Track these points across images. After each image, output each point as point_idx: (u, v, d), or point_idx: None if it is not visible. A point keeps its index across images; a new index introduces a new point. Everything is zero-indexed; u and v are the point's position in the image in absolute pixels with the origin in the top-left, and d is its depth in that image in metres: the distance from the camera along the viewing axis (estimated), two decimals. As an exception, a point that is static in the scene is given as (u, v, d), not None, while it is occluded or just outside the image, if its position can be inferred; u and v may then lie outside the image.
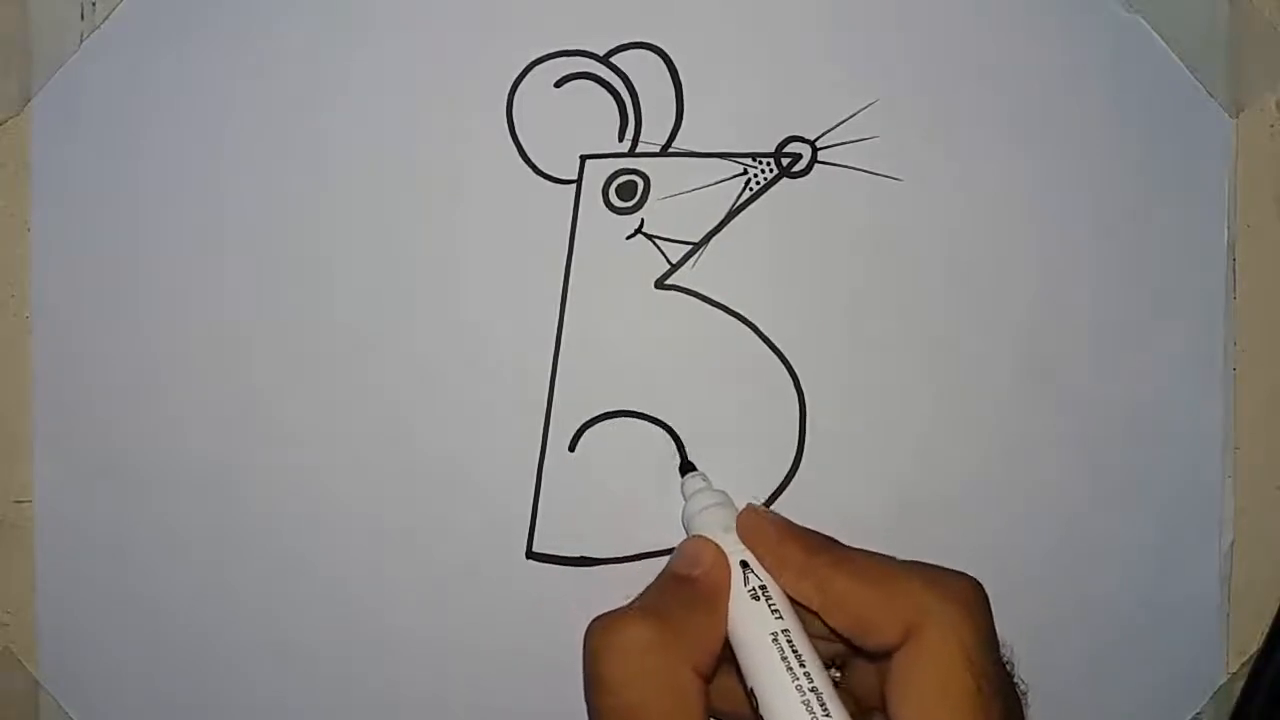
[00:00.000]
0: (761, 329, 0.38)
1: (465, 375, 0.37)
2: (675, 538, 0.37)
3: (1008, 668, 0.31)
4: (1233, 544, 0.38)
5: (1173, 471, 0.38)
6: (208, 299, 0.37)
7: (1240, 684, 0.38)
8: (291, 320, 0.37)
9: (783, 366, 0.38)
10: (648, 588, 0.32)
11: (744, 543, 0.32)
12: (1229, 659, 0.38)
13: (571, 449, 0.37)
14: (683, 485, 0.36)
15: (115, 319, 0.37)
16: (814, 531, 0.33)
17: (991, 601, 0.37)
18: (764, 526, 0.33)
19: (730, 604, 0.31)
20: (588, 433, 0.37)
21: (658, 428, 0.37)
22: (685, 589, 0.31)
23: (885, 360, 0.38)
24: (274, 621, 0.38)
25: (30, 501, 0.38)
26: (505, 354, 0.37)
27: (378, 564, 0.37)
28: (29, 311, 0.38)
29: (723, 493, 0.35)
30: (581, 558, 0.37)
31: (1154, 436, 0.38)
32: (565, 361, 0.37)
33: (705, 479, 0.36)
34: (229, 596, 0.38)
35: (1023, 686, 0.33)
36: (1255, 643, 0.38)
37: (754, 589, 0.31)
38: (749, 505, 0.34)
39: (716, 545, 0.32)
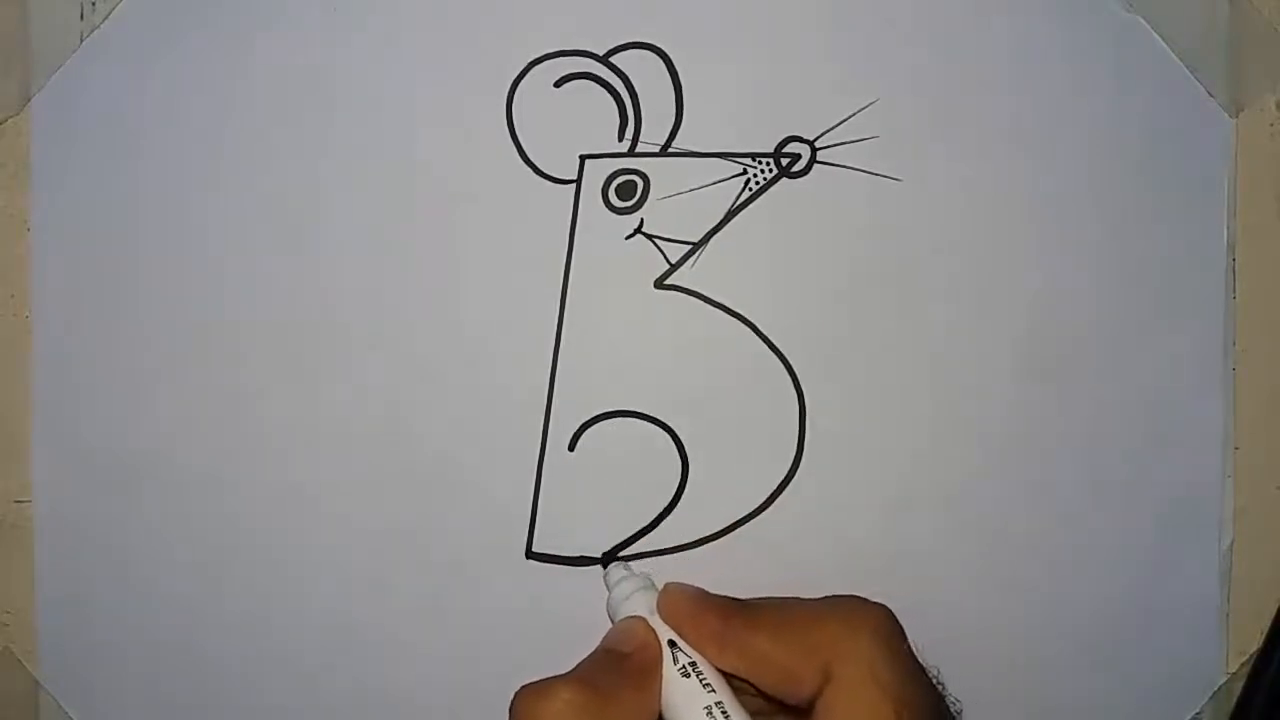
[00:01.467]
0: (761, 329, 0.38)
1: (465, 375, 0.37)
2: (675, 538, 0.37)
3: (938, 688, 0.31)
4: (1233, 544, 0.38)
5: (1173, 471, 0.38)
6: (207, 299, 0.37)
7: (1240, 684, 0.38)
8: (291, 320, 0.37)
9: (783, 366, 0.38)
10: (580, 663, 0.32)
11: (667, 622, 0.33)
12: (1229, 659, 0.38)
13: (571, 449, 0.37)
14: (605, 577, 0.35)
15: (115, 319, 0.37)
16: (730, 598, 0.33)
17: (991, 601, 0.38)
18: (681, 603, 0.33)
19: (663, 683, 0.31)
20: (588, 433, 0.37)
21: (658, 428, 0.37)
22: (619, 663, 0.32)
23: (885, 360, 0.38)
24: (273, 621, 0.38)
25: (30, 501, 0.38)
26: (505, 354, 0.37)
27: (377, 563, 0.37)
28: (29, 311, 0.38)
29: (645, 576, 0.35)
30: (581, 558, 0.37)
31: (1154, 436, 0.38)
32: (565, 361, 0.37)
33: (627, 567, 0.35)
34: (229, 596, 0.38)
35: (957, 705, 0.32)
36: (1255, 643, 0.38)
37: (683, 667, 0.31)
38: (667, 585, 0.34)
39: (647, 623, 0.33)
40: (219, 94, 0.37)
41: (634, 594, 0.34)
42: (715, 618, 0.32)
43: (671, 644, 0.32)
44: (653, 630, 0.32)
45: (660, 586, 0.34)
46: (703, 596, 0.33)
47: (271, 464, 0.37)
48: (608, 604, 0.35)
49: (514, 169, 0.37)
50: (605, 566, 0.36)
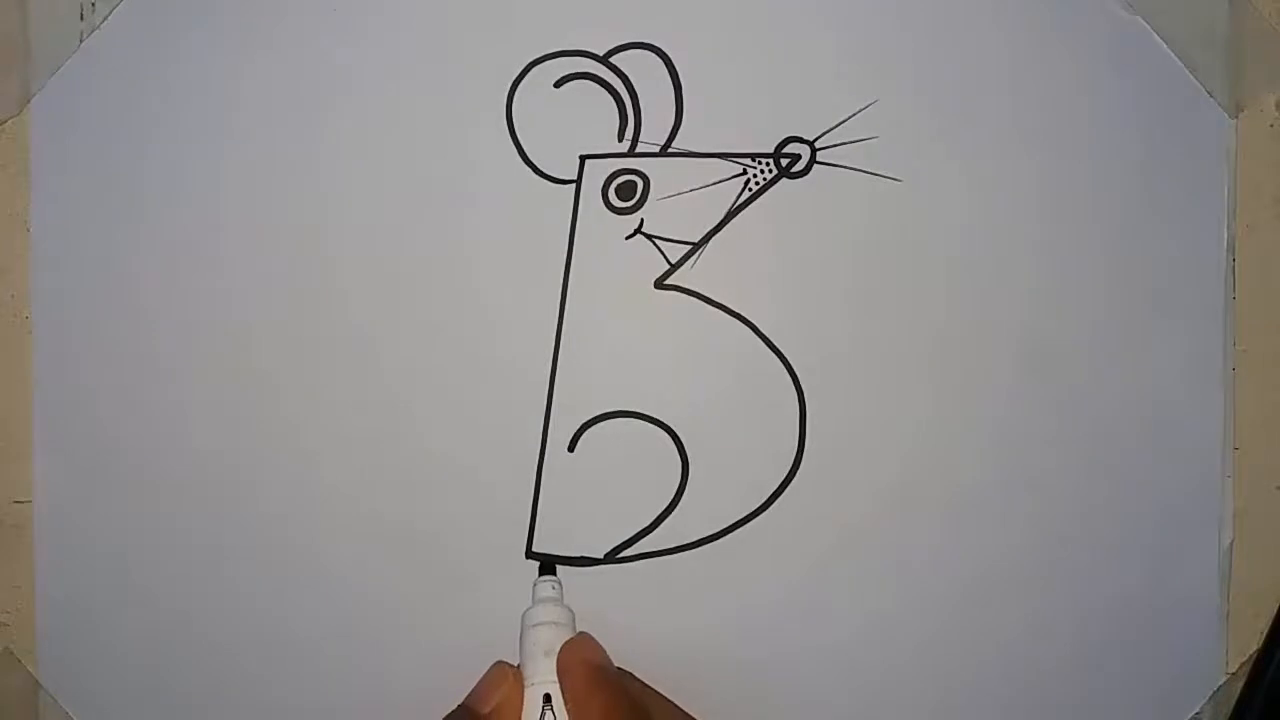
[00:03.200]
0: (761, 329, 0.38)
1: (465, 375, 0.37)
2: (676, 539, 0.37)
3: None
4: (1233, 544, 0.38)
5: (1173, 471, 0.38)
6: (206, 299, 0.37)
7: (1240, 684, 0.38)
8: (290, 320, 0.37)
9: (783, 366, 0.38)
10: (445, 717, 0.32)
11: (557, 675, 0.32)
12: (1229, 659, 0.38)
13: (571, 449, 0.37)
14: (534, 587, 0.35)
15: (115, 319, 0.37)
16: (629, 687, 0.33)
17: (991, 601, 0.38)
18: (577, 669, 0.32)
19: None
20: (588, 433, 0.37)
21: (658, 428, 0.37)
22: None
23: (885, 360, 0.38)
24: (273, 621, 0.38)
25: (30, 501, 0.38)
26: (505, 354, 0.37)
27: (378, 564, 0.37)
28: (29, 311, 0.38)
29: (565, 609, 0.34)
30: (581, 558, 0.37)
31: (1154, 436, 0.38)
32: (565, 361, 0.37)
33: (557, 586, 0.35)
34: (229, 596, 0.38)
35: None
36: (1255, 643, 0.38)
37: None
38: (579, 635, 0.33)
39: (516, 677, 0.32)
40: (218, 94, 0.37)
41: (542, 625, 0.33)
42: (599, 706, 0.31)
43: (547, 699, 0.32)
44: (519, 688, 0.32)
45: (572, 633, 0.34)
46: (602, 672, 0.32)
47: (271, 464, 0.37)
48: (522, 616, 0.34)
49: (514, 169, 0.37)
50: (540, 575, 0.36)
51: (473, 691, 0.33)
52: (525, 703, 0.32)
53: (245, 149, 0.37)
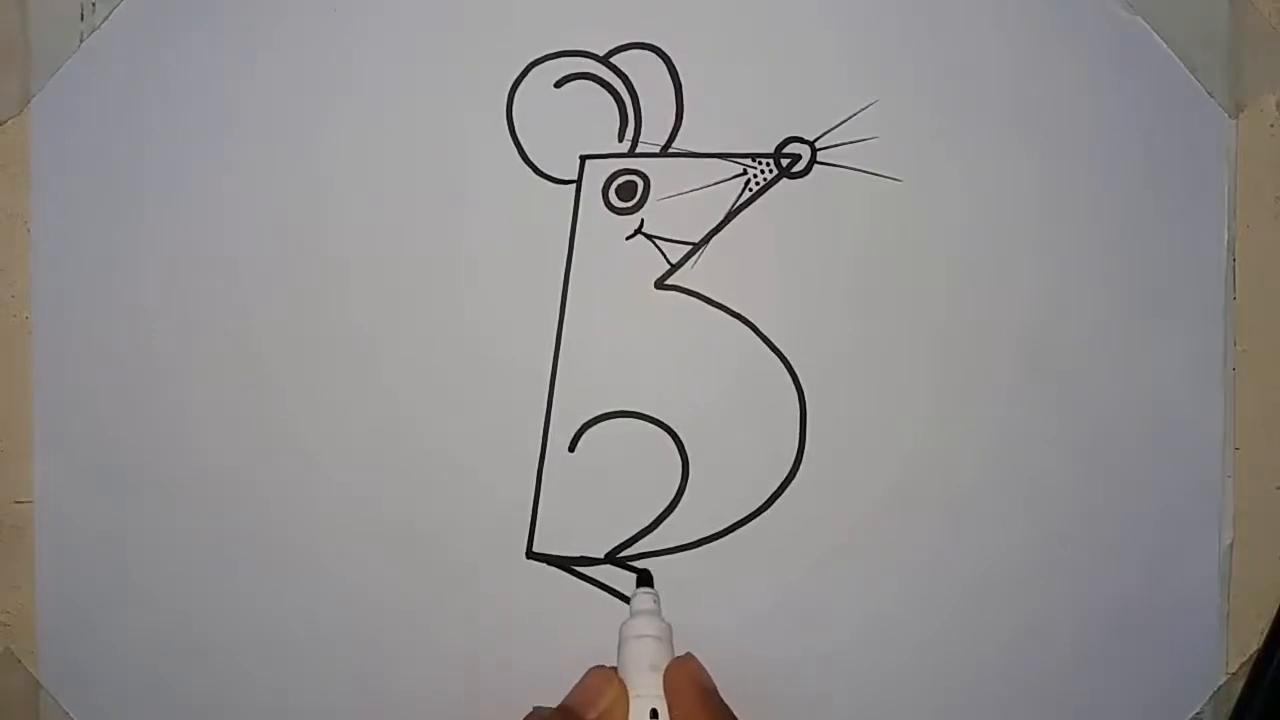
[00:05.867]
0: (761, 329, 0.38)
1: (466, 375, 0.37)
2: (676, 539, 0.37)
3: None
4: (1232, 544, 0.38)
5: (1173, 472, 0.38)
6: (207, 298, 0.37)
7: (1240, 684, 0.38)
8: (291, 320, 0.37)
9: (783, 366, 0.38)
10: (549, 714, 0.32)
11: (664, 691, 0.32)
12: (1229, 659, 0.38)
13: (571, 449, 0.37)
14: (633, 597, 0.35)
15: (115, 319, 0.37)
16: (732, 714, 0.32)
17: (991, 601, 0.38)
18: (687, 688, 0.32)
19: None
20: (588, 433, 0.37)
21: (658, 428, 0.37)
22: None
23: (885, 360, 0.38)
24: (274, 621, 0.38)
25: (30, 501, 0.38)
26: (505, 354, 0.37)
27: (378, 564, 0.38)
28: (29, 311, 0.38)
29: (666, 625, 0.34)
30: (582, 558, 0.37)
31: (1154, 436, 0.38)
32: (565, 361, 0.37)
33: (657, 600, 0.35)
34: (229, 596, 0.38)
35: None
36: (1255, 643, 0.38)
37: None
38: (686, 656, 0.33)
39: (621, 686, 0.32)
40: (218, 94, 0.37)
41: (646, 638, 0.33)
42: None
43: (654, 714, 0.31)
44: (624, 696, 0.32)
45: (674, 653, 0.33)
46: (710, 694, 0.32)
47: (271, 464, 0.37)
48: (621, 626, 0.34)
49: (514, 169, 0.37)
50: (637, 586, 0.36)
51: (574, 694, 0.32)
52: (630, 713, 0.32)
53: (245, 149, 0.37)
